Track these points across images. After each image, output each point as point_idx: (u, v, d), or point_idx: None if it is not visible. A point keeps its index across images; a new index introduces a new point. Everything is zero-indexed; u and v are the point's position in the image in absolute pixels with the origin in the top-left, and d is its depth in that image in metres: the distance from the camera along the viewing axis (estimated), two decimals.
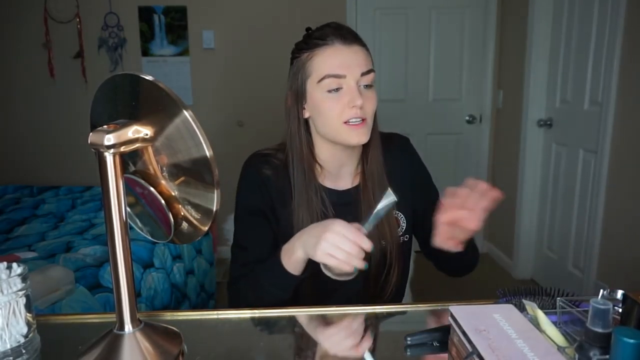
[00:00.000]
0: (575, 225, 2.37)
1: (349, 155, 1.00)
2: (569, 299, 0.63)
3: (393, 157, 1.04)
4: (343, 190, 1.01)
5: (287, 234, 0.92)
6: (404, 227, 1.04)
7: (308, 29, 0.97)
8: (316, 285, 0.95)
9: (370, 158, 0.99)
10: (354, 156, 1.01)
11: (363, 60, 0.91)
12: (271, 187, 0.98)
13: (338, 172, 1.01)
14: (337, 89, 0.89)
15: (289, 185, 0.97)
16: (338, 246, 0.77)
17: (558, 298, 0.63)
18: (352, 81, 0.89)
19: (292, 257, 0.85)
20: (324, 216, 0.96)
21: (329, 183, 1.01)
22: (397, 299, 1.10)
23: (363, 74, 0.90)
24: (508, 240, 2.96)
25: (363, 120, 0.90)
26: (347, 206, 1.00)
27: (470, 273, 1.06)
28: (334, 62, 0.89)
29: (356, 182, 1.03)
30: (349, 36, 0.91)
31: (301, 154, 0.96)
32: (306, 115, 0.96)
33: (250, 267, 0.95)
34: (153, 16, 3.00)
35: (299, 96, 0.94)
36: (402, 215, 1.04)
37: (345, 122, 0.89)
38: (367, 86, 0.91)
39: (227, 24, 3.03)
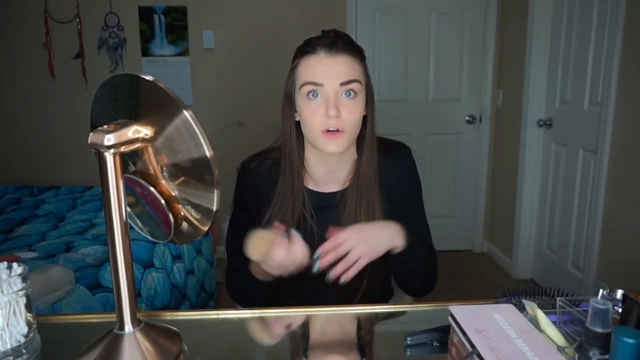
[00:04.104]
0: (575, 225, 2.37)
1: (337, 162, 1.00)
2: (568, 299, 0.63)
3: (390, 165, 1.03)
4: (327, 193, 1.02)
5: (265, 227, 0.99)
6: None
7: (323, 32, 0.98)
8: (295, 291, 1.03)
9: (364, 164, 0.99)
10: (344, 162, 1.01)
11: (345, 70, 0.91)
12: (258, 183, 1.03)
13: (327, 177, 1.02)
14: (316, 95, 0.91)
15: (272, 185, 1.01)
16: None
17: (558, 298, 0.63)
18: (331, 90, 0.90)
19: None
20: (302, 217, 1.00)
21: (314, 185, 1.03)
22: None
23: (342, 84, 0.90)
24: (508, 240, 2.96)
25: (340, 130, 0.90)
26: (327, 209, 1.01)
27: (430, 288, 1.06)
28: (314, 70, 0.91)
29: (345, 186, 1.02)
30: (338, 45, 0.92)
31: (290, 155, 0.99)
32: (297, 118, 0.98)
33: (237, 263, 1.02)
34: (153, 16, 3.00)
35: (290, 100, 0.97)
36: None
37: (323, 131, 0.91)
38: (350, 96, 0.91)
39: (227, 24, 3.03)
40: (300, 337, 0.78)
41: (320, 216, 1.01)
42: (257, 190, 1.03)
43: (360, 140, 0.99)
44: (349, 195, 1.00)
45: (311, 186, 1.03)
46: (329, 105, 0.89)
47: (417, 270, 0.98)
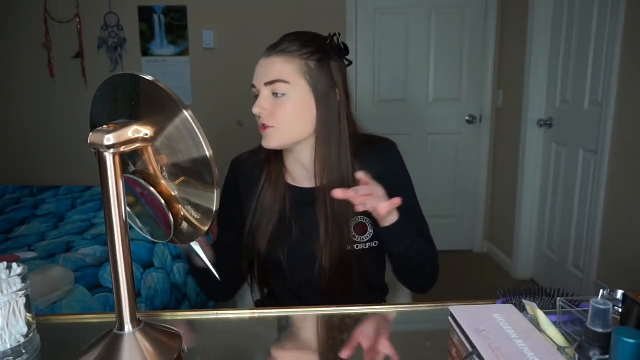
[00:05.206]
0: (575, 225, 2.37)
1: (308, 159, 1.02)
2: (569, 299, 0.63)
3: (372, 161, 1.04)
4: (305, 189, 1.06)
5: (248, 219, 1.05)
6: (372, 233, 1.04)
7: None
8: (284, 287, 1.08)
9: (334, 162, 1.00)
10: (307, 157, 1.03)
11: (273, 71, 0.95)
12: (242, 178, 1.09)
13: (301, 174, 1.05)
14: (256, 96, 0.98)
15: (260, 178, 1.06)
16: None
17: (558, 298, 0.63)
18: (262, 90, 0.96)
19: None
20: (282, 210, 1.04)
21: (293, 181, 1.07)
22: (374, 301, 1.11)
23: (266, 84, 0.95)
24: (508, 240, 2.96)
25: (269, 126, 0.96)
26: (305, 205, 1.04)
27: (430, 284, 1.06)
28: (255, 72, 0.99)
29: (316, 183, 1.03)
30: (280, 45, 0.97)
31: (269, 152, 1.04)
32: None
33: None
34: (153, 16, 3.00)
35: None
36: (369, 221, 1.03)
37: (260, 127, 0.98)
38: (277, 96, 0.96)
39: (227, 24, 3.03)
40: (297, 337, 0.78)
41: (298, 211, 1.05)
42: (239, 185, 1.08)
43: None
44: (321, 192, 1.01)
45: (291, 182, 1.07)
46: (256, 103, 0.96)
47: (412, 258, 0.97)
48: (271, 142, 0.98)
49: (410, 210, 1.06)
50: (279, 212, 1.04)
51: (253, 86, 0.98)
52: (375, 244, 1.05)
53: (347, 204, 0.97)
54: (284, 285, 1.09)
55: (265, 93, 0.96)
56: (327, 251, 1.00)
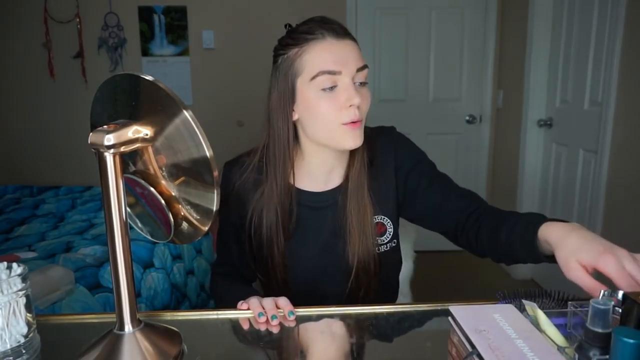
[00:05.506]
0: None
1: (339, 158, 0.95)
2: (579, 303, 0.63)
3: (382, 152, 0.98)
4: (321, 192, 0.96)
5: (256, 234, 0.96)
6: (391, 233, 0.98)
7: (288, 26, 0.93)
8: (305, 297, 0.97)
9: (357, 160, 0.94)
10: (344, 158, 0.96)
11: (357, 55, 0.86)
12: (241, 192, 0.96)
13: (327, 176, 0.96)
14: (332, 88, 0.84)
15: (254, 189, 0.95)
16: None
17: (569, 302, 0.63)
18: (348, 78, 0.83)
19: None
20: (293, 218, 0.95)
21: (303, 185, 0.96)
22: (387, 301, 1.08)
23: (359, 70, 0.84)
24: None
25: (359, 121, 0.85)
26: (319, 210, 0.96)
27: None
28: (328, 57, 0.83)
29: (335, 184, 0.97)
30: (340, 30, 0.86)
31: (285, 158, 0.91)
32: (295, 117, 0.90)
33: (221, 268, 1.04)
34: (153, 16, 3.00)
35: (287, 97, 0.88)
36: (387, 220, 0.98)
37: (344, 124, 0.85)
38: (362, 84, 0.86)
39: (227, 24, 3.03)
40: (298, 338, 0.78)
41: (315, 216, 0.96)
42: (240, 197, 0.97)
43: None
44: (342, 193, 0.95)
45: (304, 187, 0.96)
46: (351, 94, 0.83)
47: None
48: (360, 140, 0.86)
49: (447, 184, 0.98)
50: (289, 218, 0.95)
51: (330, 72, 0.83)
52: (395, 243, 1.00)
53: (365, 200, 0.93)
54: (303, 291, 1.00)
55: (351, 81, 0.84)
56: (356, 256, 0.94)
